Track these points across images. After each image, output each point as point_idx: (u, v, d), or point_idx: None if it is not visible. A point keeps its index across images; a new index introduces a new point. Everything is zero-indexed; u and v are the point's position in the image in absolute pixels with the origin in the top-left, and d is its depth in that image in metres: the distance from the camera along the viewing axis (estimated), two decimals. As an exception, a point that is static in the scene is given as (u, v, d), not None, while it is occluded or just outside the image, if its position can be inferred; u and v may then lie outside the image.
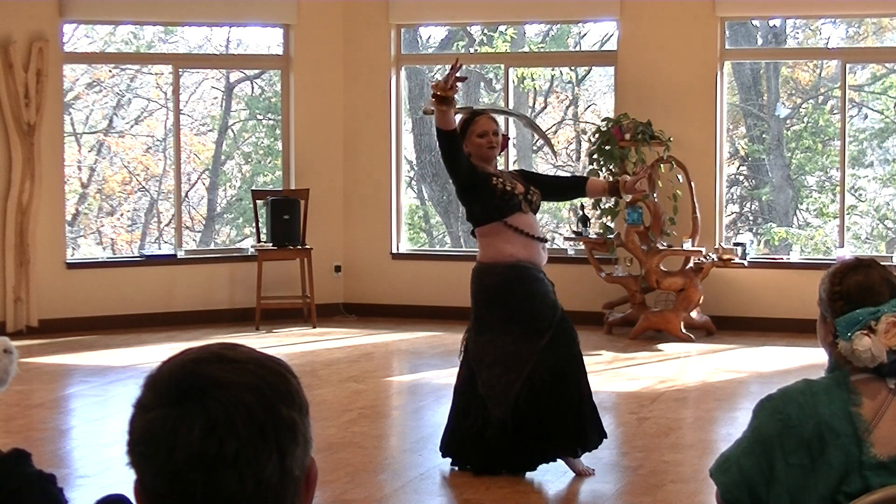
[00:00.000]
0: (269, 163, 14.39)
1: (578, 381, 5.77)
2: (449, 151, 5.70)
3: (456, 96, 5.68)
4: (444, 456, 5.92)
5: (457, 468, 5.88)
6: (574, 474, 5.81)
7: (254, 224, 10.84)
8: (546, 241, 5.91)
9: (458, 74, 5.59)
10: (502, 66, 11.73)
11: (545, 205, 14.37)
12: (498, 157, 6.06)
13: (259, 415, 1.38)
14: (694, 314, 9.77)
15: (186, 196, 14.31)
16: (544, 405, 5.66)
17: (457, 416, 5.87)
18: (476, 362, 5.79)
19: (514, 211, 5.74)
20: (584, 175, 6.23)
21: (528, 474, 5.82)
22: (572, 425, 5.72)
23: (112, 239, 15.08)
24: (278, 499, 1.40)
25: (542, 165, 14.47)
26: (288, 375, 1.45)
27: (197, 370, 1.40)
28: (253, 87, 15.36)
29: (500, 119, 7.39)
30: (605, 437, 5.93)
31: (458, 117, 5.94)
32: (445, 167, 5.85)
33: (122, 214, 15.42)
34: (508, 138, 6.88)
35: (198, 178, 15.38)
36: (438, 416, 7.07)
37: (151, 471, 1.38)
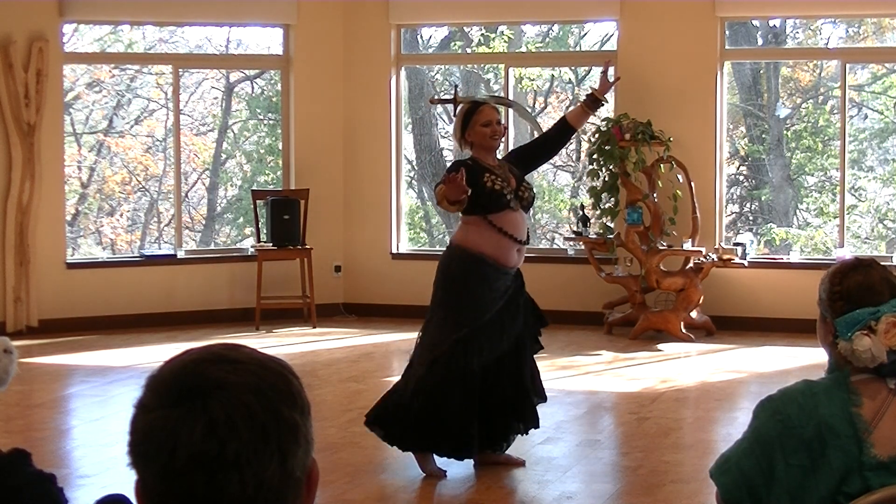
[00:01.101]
0: (271, 162, 14.39)
1: (495, 386, 5.77)
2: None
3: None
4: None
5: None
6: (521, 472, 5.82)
7: (254, 224, 10.84)
8: (526, 243, 5.87)
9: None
10: (502, 66, 11.73)
11: (545, 205, 14.43)
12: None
13: (260, 416, 1.37)
14: (694, 314, 9.77)
15: (186, 196, 14.31)
16: (444, 395, 5.66)
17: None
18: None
19: (502, 209, 5.73)
20: (562, 117, 6.25)
21: (527, 472, 5.82)
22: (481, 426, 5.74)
23: (112, 239, 15.08)
24: (279, 500, 1.40)
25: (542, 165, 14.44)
26: (289, 376, 1.44)
27: (198, 371, 1.40)
28: (253, 87, 15.36)
29: (500, 110, 7.41)
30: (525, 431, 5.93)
31: (460, 107, 6.03)
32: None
33: (121, 214, 15.42)
34: (506, 128, 6.90)
35: (198, 179, 15.39)
36: (438, 416, 7.08)
37: (152, 471, 1.38)
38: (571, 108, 6.68)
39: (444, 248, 6.00)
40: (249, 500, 1.37)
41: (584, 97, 6.27)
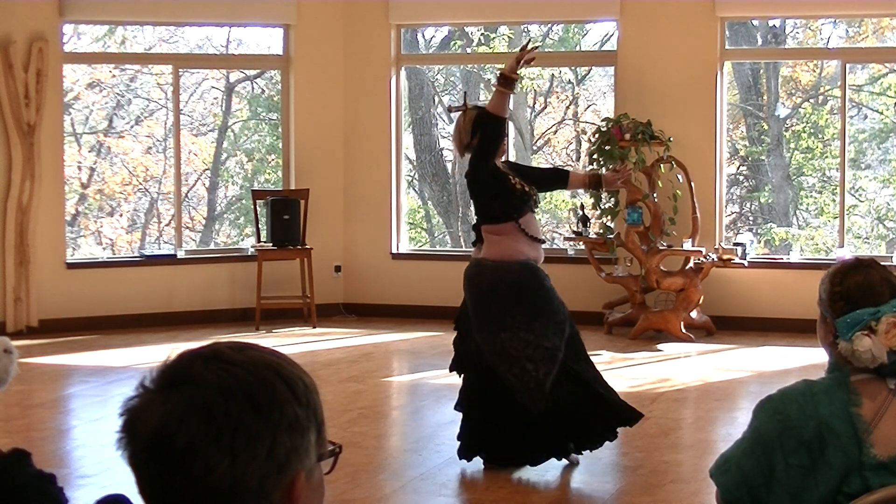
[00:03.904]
0: (272, 161, 14.39)
1: (595, 375, 5.83)
2: (495, 140, 5.74)
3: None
4: (463, 458, 5.87)
5: (484, 464, 5.87)
6: (570, 467, 5.83)
7: (254, 224, 10.84)
8: (544, 241, 6.00)
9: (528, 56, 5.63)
10: (502, 66, 11.71)
11: (545, 205, 14.43)
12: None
13: (220, 419, 1.37)
14: (694, 314, 9.76)
15: (186, 196, 14.31)
16: (576, 397, 5.69)
17: (471, 417, 5.86)
18: (495, 360, 5.72)
19: (529, 211, 5.82)
20: (566, 168, 6.34)
21: (528, 472, 5.82)
22: (592, 421, 5.77)
23: (112, 239, 15.08)
24: None
25: (541, 164, 14.46)
26: (279, 388, 1.42)
27: (185, 362, 1.42)
28: (253, 87, 15.37)
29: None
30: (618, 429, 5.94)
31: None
32: (477, 157, 5.75)
33: (121, 215, 15.42)
34: None
35: (197, 179, 15.39)
36: (438, 416, 7.08)
37: (125, 453, 1.42)
38: (579, 171, 6.79)
39: (485, 270, 5.77)
40: (198, 499, 1.37)
41: (593, 174, 6.41)
